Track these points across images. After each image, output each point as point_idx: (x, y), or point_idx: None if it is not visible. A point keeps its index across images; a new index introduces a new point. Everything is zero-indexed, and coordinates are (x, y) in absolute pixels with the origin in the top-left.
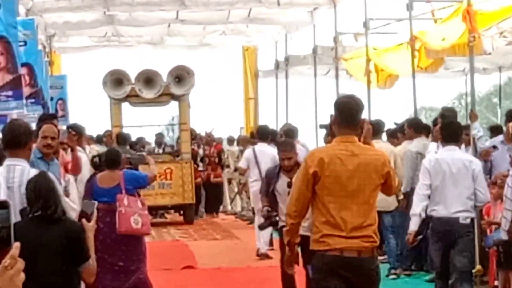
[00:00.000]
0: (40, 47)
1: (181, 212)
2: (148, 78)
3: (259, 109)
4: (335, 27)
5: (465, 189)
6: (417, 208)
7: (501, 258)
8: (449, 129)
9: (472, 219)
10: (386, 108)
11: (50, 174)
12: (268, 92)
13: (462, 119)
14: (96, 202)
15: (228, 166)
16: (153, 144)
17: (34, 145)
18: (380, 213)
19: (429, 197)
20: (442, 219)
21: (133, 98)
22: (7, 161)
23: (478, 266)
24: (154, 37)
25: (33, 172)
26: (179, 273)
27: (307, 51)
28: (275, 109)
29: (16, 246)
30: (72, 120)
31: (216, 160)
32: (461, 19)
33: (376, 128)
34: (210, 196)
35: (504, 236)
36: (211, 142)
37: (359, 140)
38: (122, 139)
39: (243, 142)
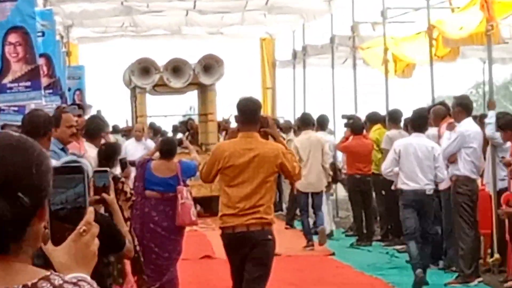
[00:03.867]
0: (57, 37)
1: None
2: (177, 67)
3: (277, 99)
4: (353, 16)
5: (428, 168)
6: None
7: None
8: (416, 120)
9: (435, 191)
10: (404, 97)
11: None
12: (286, 82)
13: (479, 107)
14: (108, 170)
15: None
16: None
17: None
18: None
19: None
20: (413, 191)
21: (160, 87)
22: None
23: (496, 255)
24: (171, 27)
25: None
26: (196, 263)
27: (325, 41)
28: (293, 99)
29: (90, 211)
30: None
31: None
32: (478, 8)
33: (394, 117)
34: None
35: None
36: (228, 129)
37: (265, 134)
38: (156, 129)
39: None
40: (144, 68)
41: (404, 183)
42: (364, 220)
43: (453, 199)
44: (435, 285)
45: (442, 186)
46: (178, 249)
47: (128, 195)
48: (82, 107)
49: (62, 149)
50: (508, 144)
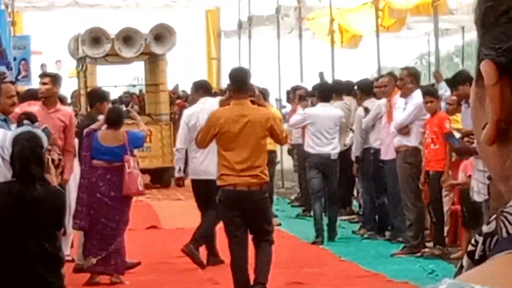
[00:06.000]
0: (2, 7)
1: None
2: (128, 37)
3: (222, 69)
4: None
5: (335, 134)
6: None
7: (465, 218)
8: (323, 91)
9: (381, 161)
10: (350, 68)
11: (39, 132)
12: (231, 52)
13: (424, 78)
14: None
15: None
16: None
17: None
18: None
19: None
20: (319, 155)
21: (111, 57)
22: None
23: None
24: None
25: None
26: (142, 233)
27: (271, 11)
28: (238, 66)
29: None
30: (34, 80)
31: (179, 117)
32: None
33: (339, 88)
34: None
35: (478, 197)
36: (174, 100)
37: (252, 102)
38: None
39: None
40: (95, 37)
41: (312, 147)
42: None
43: (401, 170)
44: (381, 256)
45: (388, 157)
46: (125, 219)
47: (56, 162)
48: (53, 76)
49: (4, 120)
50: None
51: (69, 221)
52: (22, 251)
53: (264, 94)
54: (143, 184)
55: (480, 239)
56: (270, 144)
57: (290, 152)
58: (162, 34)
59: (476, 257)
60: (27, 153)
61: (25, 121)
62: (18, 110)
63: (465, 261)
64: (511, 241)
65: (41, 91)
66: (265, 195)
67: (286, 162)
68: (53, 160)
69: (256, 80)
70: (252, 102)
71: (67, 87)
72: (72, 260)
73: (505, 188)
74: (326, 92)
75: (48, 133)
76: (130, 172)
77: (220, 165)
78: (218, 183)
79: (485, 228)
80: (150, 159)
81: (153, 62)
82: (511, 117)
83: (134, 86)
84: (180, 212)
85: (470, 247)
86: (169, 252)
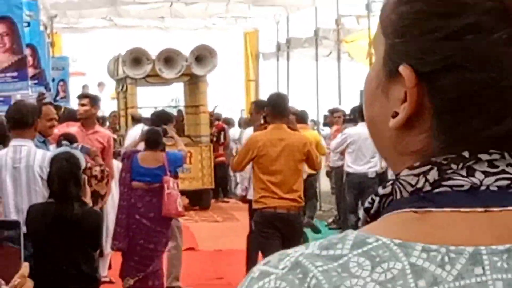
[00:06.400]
0: (41, 28)
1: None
2: (169, 57)
3: (260, 91)
4: (337, 9)
5: (375, 154)
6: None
7: None
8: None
9: (377, 174)
10: None
11: (77, 153)
12: (270, 74)
13: None
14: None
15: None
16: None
17: None
18: None
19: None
20: (357, 174)
21: (152, 78)
22: (13, 142)
23: None
24: (156, 19)
25: (48, 154)
26: None
27: (309, 34)
28: (276, 91)
29: (25, 265)
30: (73, 101)
31: (217, 139)
32: None
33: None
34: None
35: None
36: (213, 121)
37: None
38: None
39: (245, 124)
40: (136, 58)
41: (350, 167)
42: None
43: None
44: None
45: None
46: (164, 241)
47: (99, 176)
48: (91, 97)
49: (43, 142)
50: None
51: (106, 242)
52: (58, 271)
53: (303, 116)
54: (183, 205)
55: (377, 199)
56: None
57: (328, 174)
58: (203, 56)
59: (372, 212)
60: (65, 173)
61: (64, 142)
62: (56, 131)
63: (361, 214)
64: (403, 202)
65: (79, 112)
66: (301, 218)
67: (324, 184)
68: (95, 176)
69: (294, 102)
70: (288, 127)
71: (109, 109)
72: (110, 281)
73: (396, 161)
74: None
75: (86, 150)
76: (169, 192)
77: (258, 188)
78: (256, 206)
79: (381, 191)
80: (189, 180)
81: (193, 83)
82: (419, 112)
83: (174, 107)
84: (217, 234)
85: (367, 204)
86: (207, 273)
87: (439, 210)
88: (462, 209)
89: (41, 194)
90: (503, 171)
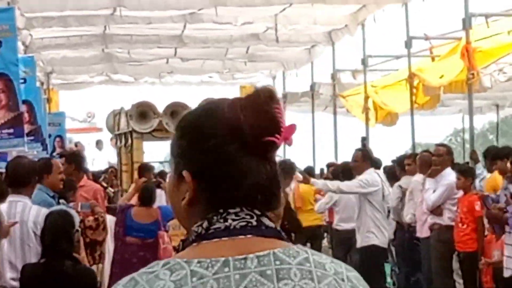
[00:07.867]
0: (38, 84)
1: None
2: (176, 112)
3: None
4: (333, 64)
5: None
6: None
7: None
8: (345, 169)
9: (416, 238)
10: (384, 144)
11: (72, 212)
12: None
13: (458, 155)
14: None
15: None
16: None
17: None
18: None
19: None
20: (345, 231)
21: (158, 132)
22: (10, 198)
23: None
24: (152, 75)
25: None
26: None
27: (305, 88)
28: None
29: None
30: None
31: None
32: (459, 57)
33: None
34: None
35: (506, 273)
36: None
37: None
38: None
39: None
40: (142, 112)
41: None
42: None
43: (435, 247)
44: None
45: (423, 234)
46: None
47: (94, 225)
48: (67, 155)
49: (53, 197)
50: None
51: None
52: None
53: (310, 172)
54: None
55: (181, 243)
56: (316, 220)
57: (325, 228)
58: None
59: (180, 248)
60: (58, 229)
61: (61, 200)
62: None
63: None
64: (192, 240)
65: None
66: None
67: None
68: (90, 227)
69: (290, 156)
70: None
71: None
72: None
73: (188, 223)
74: (347, 170)
75: (86, 206)
76: (165, 247)
77: None
78: None
79: (183, 238)
80: (182, 237)
81: None
82: (195, 196)
83: None
84: None
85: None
86: None
87: (207, 242)
88: (222, 239)
89: (34, 250)
90: (243, 218)
